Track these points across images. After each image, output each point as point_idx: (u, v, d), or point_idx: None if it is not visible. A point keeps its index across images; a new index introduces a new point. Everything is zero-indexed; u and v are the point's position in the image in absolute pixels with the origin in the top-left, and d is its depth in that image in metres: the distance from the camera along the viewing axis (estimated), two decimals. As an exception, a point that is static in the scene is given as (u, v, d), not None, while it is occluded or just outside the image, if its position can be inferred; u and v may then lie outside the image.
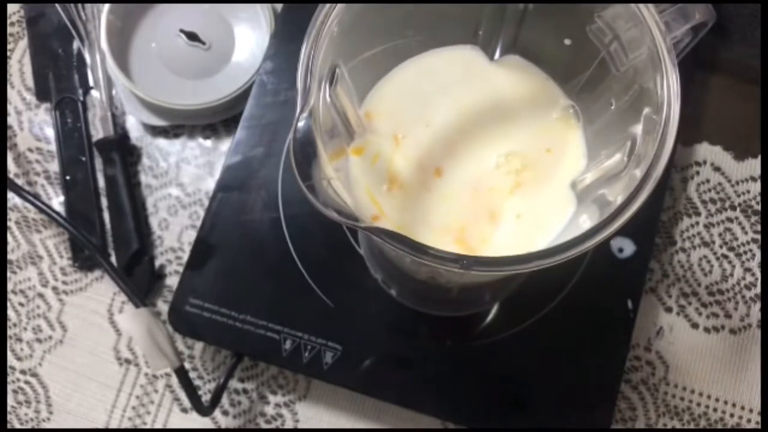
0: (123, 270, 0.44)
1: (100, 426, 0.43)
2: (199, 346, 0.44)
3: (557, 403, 0.39)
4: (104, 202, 0.46)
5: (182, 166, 0.47)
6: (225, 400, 0.43)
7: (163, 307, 0.45)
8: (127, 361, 0.44)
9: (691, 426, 0.42)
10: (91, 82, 0.48)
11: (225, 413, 0.43)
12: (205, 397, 0.40)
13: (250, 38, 0.47)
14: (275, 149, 0.42)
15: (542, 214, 0.32)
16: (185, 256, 0.44)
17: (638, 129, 0.28)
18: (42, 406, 0.44)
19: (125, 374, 0.44)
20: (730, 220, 0.44)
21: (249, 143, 0.43)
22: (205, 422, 0.43)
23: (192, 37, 0.47)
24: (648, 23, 0.27)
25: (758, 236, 0.43)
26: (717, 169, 0.44)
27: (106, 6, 0.45)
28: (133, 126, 0.48)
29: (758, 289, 0.43)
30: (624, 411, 0.42)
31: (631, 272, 0.40)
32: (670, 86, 0.26)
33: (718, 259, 0.43)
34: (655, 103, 0.26)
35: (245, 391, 0.43)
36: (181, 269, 0.42)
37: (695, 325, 0.42)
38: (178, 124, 0.47)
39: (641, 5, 0.27)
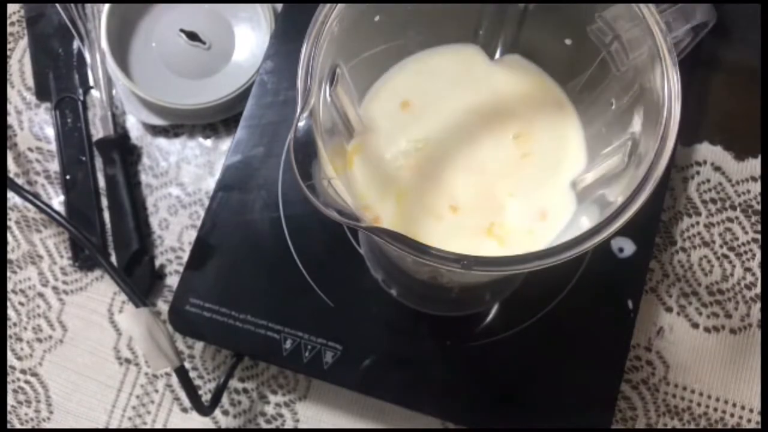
0: (123, 270, 0.44)
1: (100, 426, 0.43)
2: (199, 345, 0.44)
3: (557, 403, 0.39)
4: (104, 201, 0.46)
5: (182, 165, 0.47)
6: (225, 400, 0.43)
7: (163, 306, 0.45)
8: (127, 361, 0.44)
9: (691, 426, 0.42)
10: (91, 82, 0.48)
11: (225, 413, 0.43)
12: (206, 397, 0.40)
13: (250, 38, 0.47)
14: (275, 149, 0.42)
15: (543, 214, 0.32)
16: (185, 256, 0.44)
17: (639, 129, 0.28)
18: (42, 406, 0.44)
19: (125, 374, 0.44)
20: (730, 219, 0.44)
21: (249, 143, 0.43)
22: (205, 422, 0.43)
23: (192, 37, 0.47)
24: (649, 23, 0.27)
25: (758, 236, 0.43)
26: (717, 168, 0.44)
27: (106, 6, 0.45)
28: (133, 126, 0.48)
29: (758, 289, 0.43)
30: (624, 411, 0.42)
31: (631, 272, 0.40)
32: (670, 86, 0.26)
33: (718, 259, 0.43)
34: (655, 103, 0.26)
35: (245, 390, 0.43)
36: (181, 269, 0.42)
37: (695, 325, 0.42)
38: (178, 124, 0.47)
39: (642, 5, 0.27)
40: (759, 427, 0.41)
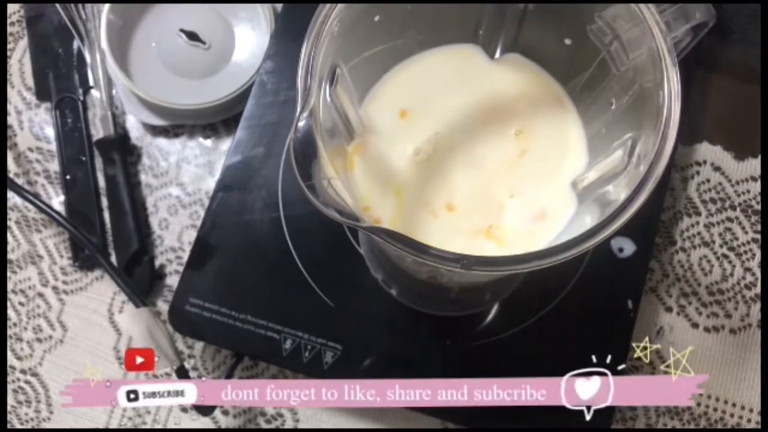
0: (123, 270, 0.44)
1: (100, 426, 0.43)
2: (199, 345, 0.44)
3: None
4: (104, 201, 0.46)
5: (182, 165, 0.47)
6: (225, 400, 0.43)
7: (163, 306, 0.45)
8: (127, 361, 0.44)
9: (691, 426, 0.42)
10: (91, 82, 0.48)
11: (225, 413, 0.43)
12: (205, 397, 0.40)
13: (250, 38, 0.47)
14: (275, 149, 0.42)
15: (542, 214, 0.32)
16: (185, 256, 0.44)
17: (639, 128, 0.28)
18: (42, 406, 0.44)
19: (125, 374, 0.44)
20: (730, 219, 0.44)
21: (249, 143, 0.43)
22: (205, 422, 0.43)
23: (192, 36, 0.47)
24: (648, 23, 0.27)
25: (758, 236, 0.43)
26: (717, 168, 0.44)
27: (106, 6, 0.45)
28: (133, 126, 0.48)
29: (758, 289, 0.43)
30: (624, 411, 0.42)
31: (631, 272, 0.40)
32: (670, 86, 0.26)
33: (718, 258, 0.43)
34: (655, 103, 0.26)
35: (245, 390, 0.43)
36: (181, 269, 0.42)
37: (695, 325, 0.42)
38: (178, 124, 0.47)
39: (641, 5, 0.27)
40: (759, 427, 0.41)
